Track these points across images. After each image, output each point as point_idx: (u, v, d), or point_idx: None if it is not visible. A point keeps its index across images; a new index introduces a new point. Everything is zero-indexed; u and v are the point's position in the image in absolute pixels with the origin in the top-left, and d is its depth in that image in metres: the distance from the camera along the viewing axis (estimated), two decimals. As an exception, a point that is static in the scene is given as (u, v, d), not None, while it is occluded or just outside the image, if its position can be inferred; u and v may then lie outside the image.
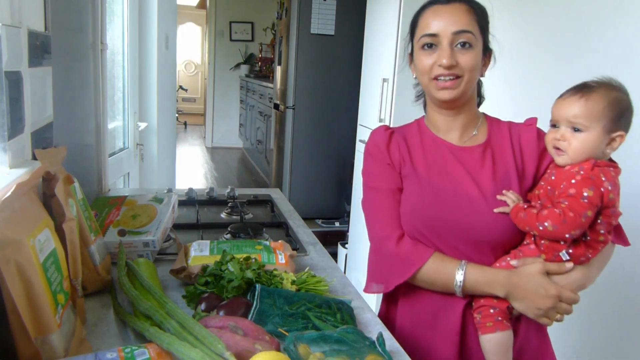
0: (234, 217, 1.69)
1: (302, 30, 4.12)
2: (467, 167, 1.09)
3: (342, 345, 0.83)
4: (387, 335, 0.97)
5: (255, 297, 0.96)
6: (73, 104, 1.45)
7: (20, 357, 0.71)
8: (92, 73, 1.58)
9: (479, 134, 1.14)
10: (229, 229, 1.49)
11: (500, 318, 1.04)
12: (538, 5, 1.97)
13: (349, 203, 3.43)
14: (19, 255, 0.70)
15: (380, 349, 0.85)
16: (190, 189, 1.86)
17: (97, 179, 1.71)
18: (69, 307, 0.83)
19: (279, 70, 4.62)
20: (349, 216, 3.30)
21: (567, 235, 0.97)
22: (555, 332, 1.13)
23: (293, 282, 1.06)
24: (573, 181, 0.97)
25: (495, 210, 1.04)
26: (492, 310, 1.04)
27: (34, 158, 1.03)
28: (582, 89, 0.99)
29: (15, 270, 0.69)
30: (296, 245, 1.42)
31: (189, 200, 1.80)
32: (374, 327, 1.01)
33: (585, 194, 0.95)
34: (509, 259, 1.06)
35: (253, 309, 0.93)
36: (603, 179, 0.97)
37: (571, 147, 0.99)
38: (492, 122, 1.16)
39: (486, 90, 1.21)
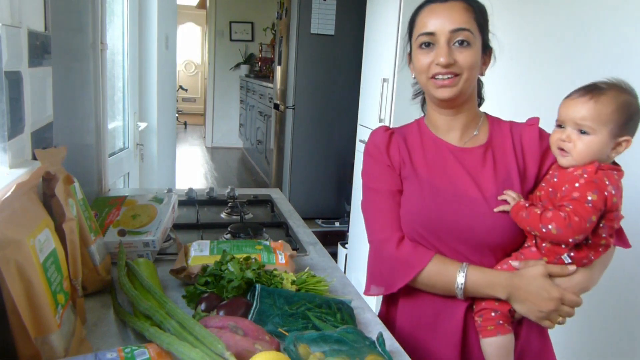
0: (234, 217, 1.69)
1: (302, 30, 4.12)
2: (467, 168, 1.08)
3: (342, 345, 0.83)
4: (387, 335, 0.97)
5: (255, 297, 0.96)
6: (73, 104, 1.45)
7: (20, 357, 0.71)
8: (92, 73, 1.58)
9: (480, 134, 1.13)
10: (229, 229, 1.49)
11: (501, 321, 1.03)
12: (538, 5, 1.97)
13: (349, 203, 3.43)
14: (19, 255, 0.70)
15: (380, 349, 0.85)
16: (190, 189, 1.86)
17: (97, 179, 1.71)
18: (69, 307, 0.83)
19: (279, 70, 4.62)
20: (349, 216, 3.30)
21: (570, 240, 0.95)
22: (555, 333, 1.13)
23: (293, 282, 1.06)
24: (577, 184, 0.96)
25: (496, 209, 1.03)
26: (493, 314, 1.03)
27: (34, 158, 1.03)
28: (592, 91, 0.97)
29: (15, 270, 0.69)
30: (296, 245, 1.42)
31: (189, 200, 1.80)
32: (374, 327, 1.01)
33: (589, 197, 0.94)
34: (510, 261, 1.05)
35: (253, 309, 0.93)
36: (607, 182, 0.95)
37: (576, 149, 0.97)
38: (493, 121, 1.15)
39: (486, 90, 1.21)
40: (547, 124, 1.12)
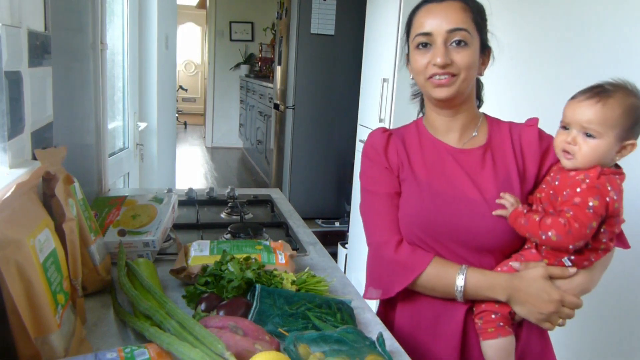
0: (234, 217, 1.69)
1: (302, 30, 4.12)
2: (467, 170, 1.07)
3: (342, 345, 0.83)
4: (387, 335, 0.97)
5: (255, 297, 0.96)
6: (73, 104, 1.45)
7: (20, 357, 0.71)
8: (92, 73, 1.58)
9: (479, 134, 1.12)
10: (229, 229, 1.49)
11: (502, 323, 1.02)
12: (538, 5, 1.97)
13: (349, 203, 3.43)
14: (19, 255, 0.70)
15: (380, 349, 0.85)
16: (190, 189, 1.86)
17: (97, 179, 1.71)
18: (69, 307, 0.83)
19: (279, 70, 4.62)
20: (349, 216, 3.30)
21: (570, 247, 0.95)
22: (555, 334, 1.13)
23: (293, 282, 1.06)
24: (578, 189, 0.94)
25: (494, 212, 1.02)
26: (493, 316, 1.03)
27: (34, 158, 1.03)
28: (599, 93, 0.95)
29: (15, 270, 0.69)
30: (296, 245, 1.42)
31: (189, 200, 1.80)
32: (374, 327, 1.01)
33: (590, 203, 0.92)
34: (510, 263, 1.04)
35: (253, 309, 0.93)
36: (609, 188, 0.94)
37: (581, 152, 0.96)
38: (492, 122, 1.14)
39: (486, 90, 1.20)
40: (547, 124, 1.11)
